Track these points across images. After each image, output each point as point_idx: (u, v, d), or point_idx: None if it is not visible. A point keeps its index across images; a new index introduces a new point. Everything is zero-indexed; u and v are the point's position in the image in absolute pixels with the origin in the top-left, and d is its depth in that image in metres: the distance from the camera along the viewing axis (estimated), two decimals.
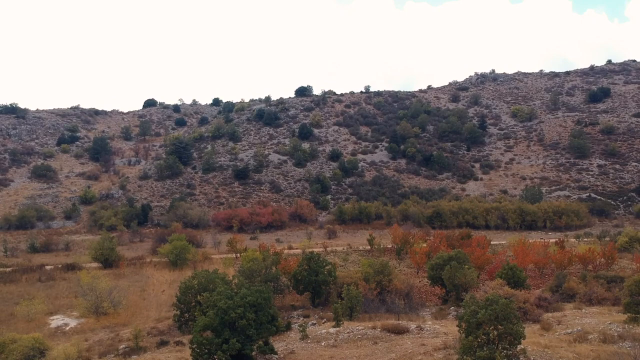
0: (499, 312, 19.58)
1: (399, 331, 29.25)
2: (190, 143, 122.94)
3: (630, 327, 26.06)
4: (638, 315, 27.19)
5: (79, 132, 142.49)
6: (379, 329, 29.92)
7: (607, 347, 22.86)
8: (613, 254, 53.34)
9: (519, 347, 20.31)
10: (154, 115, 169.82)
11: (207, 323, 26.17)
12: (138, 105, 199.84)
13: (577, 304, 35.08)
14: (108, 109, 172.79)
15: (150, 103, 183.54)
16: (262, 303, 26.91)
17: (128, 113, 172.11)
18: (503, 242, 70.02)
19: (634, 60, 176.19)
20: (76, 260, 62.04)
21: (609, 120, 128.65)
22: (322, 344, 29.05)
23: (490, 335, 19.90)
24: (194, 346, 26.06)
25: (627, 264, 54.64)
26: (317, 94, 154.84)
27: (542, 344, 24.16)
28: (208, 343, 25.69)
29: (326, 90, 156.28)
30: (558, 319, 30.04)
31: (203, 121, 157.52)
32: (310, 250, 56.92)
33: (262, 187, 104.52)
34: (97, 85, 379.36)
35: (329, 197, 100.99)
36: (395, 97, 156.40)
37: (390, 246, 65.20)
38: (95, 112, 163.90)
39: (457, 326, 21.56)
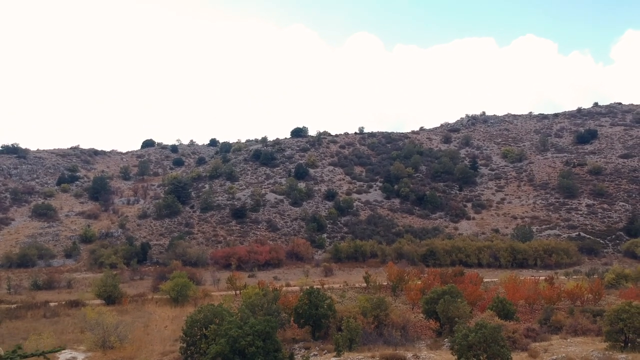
0: (487, 335, 21.77)
1: (397, 359, 31.21)
2: (188, 183, 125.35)
3: (610, 353, 28.19)
4: (617, 343, 29.37)
5: (79, 172, 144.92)
6: (378, 358, 31.86)
7: None
8: (600, 290, 55.54)
9: None
10: (152, 156, 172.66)
11: (218, 351, 28.11)
12: (136, 146, 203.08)
13: (564, 334, 37.18)
14: (107, 149, 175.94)
15: (148, 143, 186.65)
16: (270, 332, 28.95)
17: (127, 153, 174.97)
18: (495, 280, 72.06)
19: (620, 103, 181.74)
20: (79, 297, 63.62)
21: (596, 161, 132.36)
22: None
23: (481, 357, 22.04)
24: None
25: (613, 300, 56.65)
26: (312, 134, 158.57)
27: None
28: None
29: (321, 131, 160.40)
30: (545, 348, 32.12)
31: (200, 161, 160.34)
32: (309, 287, 58.69)
33: (259, 226, 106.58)
34: (96, 125, 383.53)
35: (325, 235, 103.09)
36: (389, 138, 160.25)
37: (386, 283, 67.06)
38: (94, 152, 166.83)
39: (450, 349, 23.68)
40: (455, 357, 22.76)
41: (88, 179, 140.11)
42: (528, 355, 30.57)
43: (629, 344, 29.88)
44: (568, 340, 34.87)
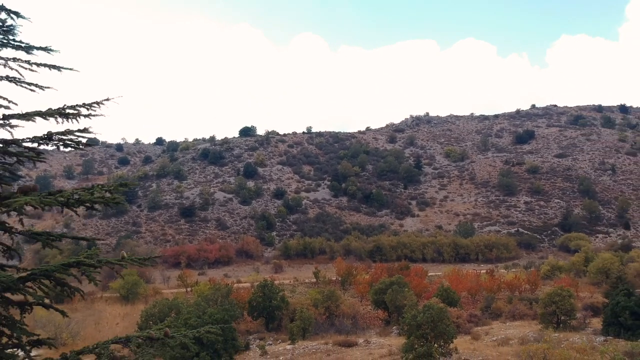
0: (435, 315, 23.68)
1: (349, 345, 32.92)
2: (134, 181, 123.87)
3: (544, 332, 30.73)
4: (551, 324, 31.96)
5: (20, 171, 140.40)
6: (331, 344, 33.50)
7: (524, 347, 27.29)
8: (536, 281, 58.98)
9: (452, 345, 24.42)
10: (97, 154, 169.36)
11: None
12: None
13: (503, 319, 39.88)
14: (49, 147, 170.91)
15: (91, 142, 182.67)
16: (228, 320, 30.12)
17: (70, 152, 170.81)
18: (439, 273, 74.90)
19: (555, 105, 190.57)
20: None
21: (533, 161, 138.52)
22: (281, 358, 32.30)
23: (429, 336, 23.92)
24: None
25: (549, 290, 60.28)
26: (260, 134, 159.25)
27: (472, 347, 28.43)
28: (180, 357, 28.53)
29: (269, 130, 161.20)
30: (486, 331, 34.54)
31: (147, 160, 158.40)
32: (260, 282, 59.78)
33: (208, 225, 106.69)
34: (37, 123, 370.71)
35: (274, 233, 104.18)
36: (336, 138, 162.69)
37: (335, 278, 68.87)
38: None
39: (398, 334, 25.47)
40: (405, 336, 24.54)
41: (30, 178, 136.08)
42: (471, 338, 32.86)
43: (561, 325, 32.57)
44: (507, 324, 37.51)
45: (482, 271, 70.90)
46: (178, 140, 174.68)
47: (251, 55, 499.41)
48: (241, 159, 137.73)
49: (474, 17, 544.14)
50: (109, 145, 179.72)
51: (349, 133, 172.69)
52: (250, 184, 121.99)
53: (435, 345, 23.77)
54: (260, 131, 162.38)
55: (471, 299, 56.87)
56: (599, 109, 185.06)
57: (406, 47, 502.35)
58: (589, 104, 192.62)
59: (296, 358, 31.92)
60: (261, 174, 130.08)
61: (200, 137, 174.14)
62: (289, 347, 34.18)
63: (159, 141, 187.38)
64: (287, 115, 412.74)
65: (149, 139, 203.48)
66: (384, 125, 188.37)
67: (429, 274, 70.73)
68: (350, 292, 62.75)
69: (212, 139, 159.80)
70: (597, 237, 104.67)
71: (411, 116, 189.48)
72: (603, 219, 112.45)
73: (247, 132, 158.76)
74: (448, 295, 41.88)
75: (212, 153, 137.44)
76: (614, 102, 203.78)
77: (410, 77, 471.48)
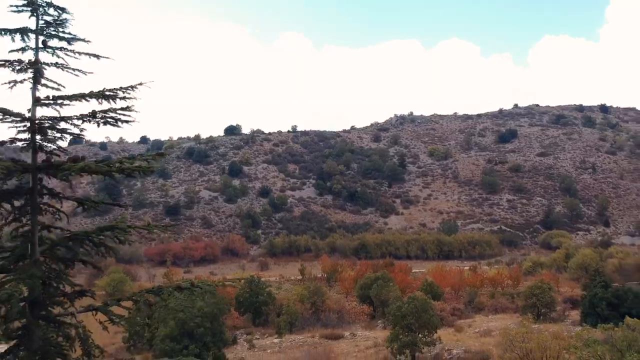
0: (419, 306, 24.41)
1: (335, 337, 33.62)
2: (119, 180, 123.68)
3: (525, 323, 31.61)
4: (532, 316, 32.89)
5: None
6: (318, 337, 34.16)
7: (504, 331, 28.13)
8: (519, 277, 60.10)
9: (436, 335, 25.18)
10: (80, 153, 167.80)
11: (168, 333, 29.50)
12: (64, 143, 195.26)
13: (486, 313, 40.79)
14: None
15: (76, 141, 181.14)
16: (217, 314, 30.60)
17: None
18: (423, 270, 75.79)
19: (537, 105, 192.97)
20: None
21: (516, 159, 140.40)
22: (268, 351, 32.91)
23: (413, 326, 24.65)
24: (156, 353, 29.29)
25: (530, 283, 61.40)
26: (246, 132, 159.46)
27: (455, 339, 29.24)
28: (170, 350, 28.97)
29: (255, 129, 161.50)
30: (469, 324, 35.43)
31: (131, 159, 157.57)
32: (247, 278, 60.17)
33: (193, 223, 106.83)
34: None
35: (260, 231, 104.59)
36: (321, 137, 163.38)
37: (320, 275, 69.52)
38: (21, 150, 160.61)
39: (384, 327, 26.14)
40: (390, 328, 25.24)
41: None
42: (454, 330, 33.70)
43: (541, 317, 33.51)
44: (489, 317, 38.45)
45: (465, 268, 71.98)
46: (162, 139, 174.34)
47: (236, 54, 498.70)
48: (226, 157, 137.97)
49: (458, 17, 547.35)
50: (93, 144, 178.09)
51: (334, 132, 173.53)
52: (236, 182, 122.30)
53: (420, 335, 24.48)
54: (246, 130, 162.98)
55: (455, 294, 57.64)
56: (580, 108, 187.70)
57: (390, 46, 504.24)
58: (570, 104, 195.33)
59: (284, 351, 32.52)
60: (246, 173, 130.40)
61: (185, 136, 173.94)
62: (276, 340, 34.79)
63: (143, 140, 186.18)
64: (272, 114, 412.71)
65: (133, 137, 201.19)
66: (368, 124, 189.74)
67: (413, 270, 71.51)
68: (336, 288, 63.29)
69: (197, 137, 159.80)
70: (577, 234, 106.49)
71: (395, 115, 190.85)
72: (584, 216, 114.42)
73: (232, 130, 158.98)
74: (432, 290, 42.72)
75: (197, 152, 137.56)
76: (595, 102, 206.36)
77: (394, 77, 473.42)
